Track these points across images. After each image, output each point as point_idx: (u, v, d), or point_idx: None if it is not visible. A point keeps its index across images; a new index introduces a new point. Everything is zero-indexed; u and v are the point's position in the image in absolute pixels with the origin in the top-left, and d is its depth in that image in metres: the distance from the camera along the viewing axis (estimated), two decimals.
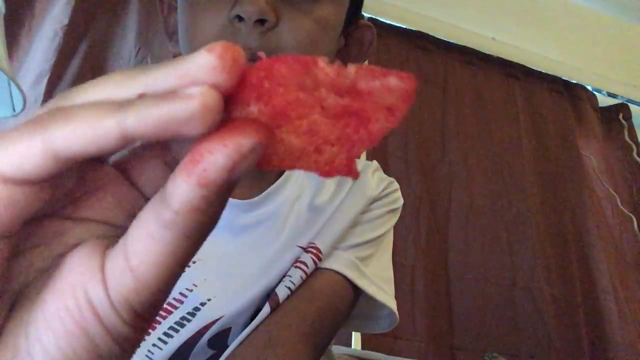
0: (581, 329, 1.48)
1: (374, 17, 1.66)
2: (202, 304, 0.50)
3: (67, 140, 0.14)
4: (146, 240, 0.15)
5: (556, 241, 1.59)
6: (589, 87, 1.94)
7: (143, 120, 0.14)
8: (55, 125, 0.15)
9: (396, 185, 0.63)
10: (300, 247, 0.54)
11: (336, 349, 0.88)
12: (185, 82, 0.14)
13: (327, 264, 0.53)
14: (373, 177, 0.60)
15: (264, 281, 0.51)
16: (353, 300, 0.55)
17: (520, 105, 1.76)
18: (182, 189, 0.14)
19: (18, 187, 0.15)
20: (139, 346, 0.18)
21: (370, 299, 0.56)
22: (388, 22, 1.69)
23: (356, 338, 1.25)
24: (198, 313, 0.49)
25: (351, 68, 0.16)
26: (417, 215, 1.44)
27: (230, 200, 0.51)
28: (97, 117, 0.14)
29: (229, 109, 0.15)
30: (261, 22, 0.41)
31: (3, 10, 0.80)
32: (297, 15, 0.44)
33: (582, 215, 1.65)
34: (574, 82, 1.91)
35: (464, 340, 1.37)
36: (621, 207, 1.73)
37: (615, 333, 1.49)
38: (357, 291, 0.55)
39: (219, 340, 0.49)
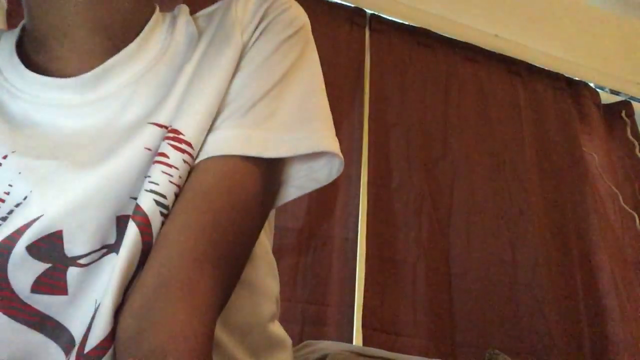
0: (582, 326, 1.48)
1: (376, 13, 1.66)
2: (17, 205, 0.39)
3: None
4: None
5: (558, 238, 1.59)
6: (592, 84, 1.93)
7: None
8: None
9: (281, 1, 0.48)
10: (154, 123, 0.42)
11: (336, 345, 0.88)
12: None
13: (208, 152, 0.42)
14: (237, 8, 0.47)
15: (103, 170, 0.39)
16: (267, 175, 0.44)
17: (522, 103, 1.75)
18: None
19: None
20: None
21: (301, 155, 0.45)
22: (391, 18, 1.68)
23: (357, 335, 1.26)
24: (10, 216, 0.38)
25: None
26: (419, 212, 1.44)
27: (59, 80, 0.43)
28: None
29: None
30: None
31: (5, 5, 0.80)
32: None
33: (584, 213, 1.65)
34: (577, 79, 1.90)
35: (465, 337, 1.37)
36: (623, 204, 1.73)
37: (616, 330, 1.49)
38: (270, 161, 0.44)
39: (49, 249, 0.38)
